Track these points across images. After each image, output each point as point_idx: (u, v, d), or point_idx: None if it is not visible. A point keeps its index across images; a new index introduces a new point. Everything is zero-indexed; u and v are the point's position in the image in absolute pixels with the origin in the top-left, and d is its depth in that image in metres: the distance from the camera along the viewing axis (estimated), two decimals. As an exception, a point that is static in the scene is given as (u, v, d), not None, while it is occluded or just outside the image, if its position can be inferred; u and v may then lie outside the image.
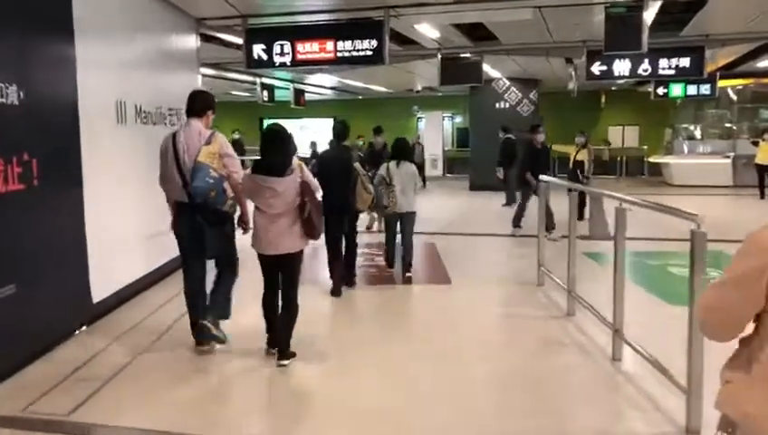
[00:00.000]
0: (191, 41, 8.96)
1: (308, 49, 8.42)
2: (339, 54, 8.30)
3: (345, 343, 5.51)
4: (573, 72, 13.76)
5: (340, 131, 7.09)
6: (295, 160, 4.70)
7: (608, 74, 11.42)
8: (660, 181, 20.51)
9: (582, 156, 11.74)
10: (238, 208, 4.99)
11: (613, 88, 23.60)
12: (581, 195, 11.29)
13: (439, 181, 21.31)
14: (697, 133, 20.91)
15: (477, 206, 14.96)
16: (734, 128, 19.85)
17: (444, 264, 8.42)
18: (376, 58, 8.21)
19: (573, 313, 5.93)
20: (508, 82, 18.69)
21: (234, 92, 21.27)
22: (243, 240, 5.09)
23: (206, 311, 5.02)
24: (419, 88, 20.32)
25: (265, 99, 16.82)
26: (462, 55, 12.12)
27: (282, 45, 8.49)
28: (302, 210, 4.63)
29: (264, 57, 8.58)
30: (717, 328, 1.82)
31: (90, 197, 5.74)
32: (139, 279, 6.94)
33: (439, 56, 12.09)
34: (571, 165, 11.87)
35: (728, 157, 18.75)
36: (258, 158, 4.76)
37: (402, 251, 7.66)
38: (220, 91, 20.67)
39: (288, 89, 18.51)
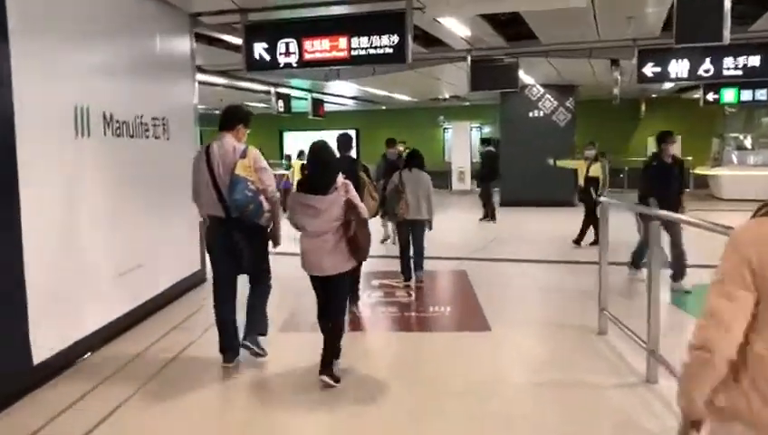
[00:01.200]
0: (183, 40, 7.78)
1: (317, 47, 7.16)
2: (353, 53, 7.03)
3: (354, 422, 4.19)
4: (618, 76, 12.32)
5: (344, 142, 6.84)
6: (340, 179, 4.57)
7: (662, 76, 10.00)
8: (707, 195, 18.91)
9: (596, 171, 10.27)
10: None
11: (653, 95, 22.08)
12: (593, 216, 9.95)
13: (467, 196, 19.90)
14: (748, 143, 19.26)
15: (512, 225, 13.54)
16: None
17: (479, 300, 7.05)
18: (397, 56, 6.92)
19: (655, 380, 4.51)
20: (543, 89, 17.30)
21: (250, 103, 20.14)
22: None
23: (247, 331, 5.05)
24: (447, 96, 18.97)
25: (281, 109, 15.66)
26: (495, 57, 10.79)
27: (287, 44, 7.24)
28: (347, 229, 4.49)
29: (267, 57, 7.34)
30: (729, 326, 1.79)
31: (31, 228, 4.50)
32: (102, 329, 5.66)
33: (469, 59, 10.79)
34: (582, 182, 10.44)
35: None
36: (301, 177, 4.78)
37: (413, 260, 7.72)
38: (233, 101, 19.63)
39: (306, 99, 17.34)
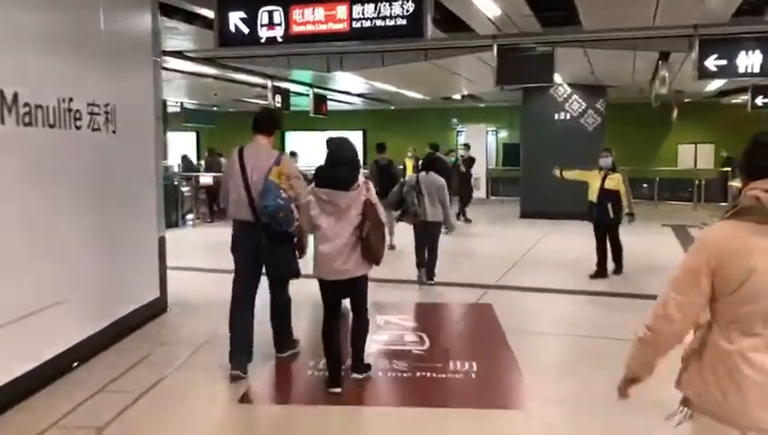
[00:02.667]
0: (139, 13, 6.15)
1: (309, 17, 5.53)
2: (355, 25, 5.39)
3: None
4: (666, 74, 10.59)
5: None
6: (361, 177, 4.45)
7: (728, 71, 8.39)
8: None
9: (615, 184, 8.17)
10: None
11: (686, 100, 20.31)
12: (612, 239, 8.40)
13: (483, 205, 18.16)
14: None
15: (536, 240, 11.85)
16: None
17: (511, 350, 5.37)
18: (411, 29, 5.25)
19: None
20: (570, 89, 15.60)
21: (247, 99, 18.56)
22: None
23: (279, 345, 5.14)
24: (464, 93, 17.19)
25: (278, 105, 14.01)
26: (526, 46, 9.12)
27: (270, 13, 5.61)
28: (360, 230, 4.29)
29: (245, 30, 5.70)
30: (673, 319, 2.06)
31: None
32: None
33: (496, 47, 9.12)
34: (595, 197, 8.29)
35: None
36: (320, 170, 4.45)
37: (427, 261, 7.97)
38: (227, 96, 18.02)
39: (307, 95, 15.71)
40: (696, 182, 18.53)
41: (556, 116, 15.78)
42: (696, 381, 2.08)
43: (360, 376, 4.66)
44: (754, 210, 1.98)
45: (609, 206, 8.18)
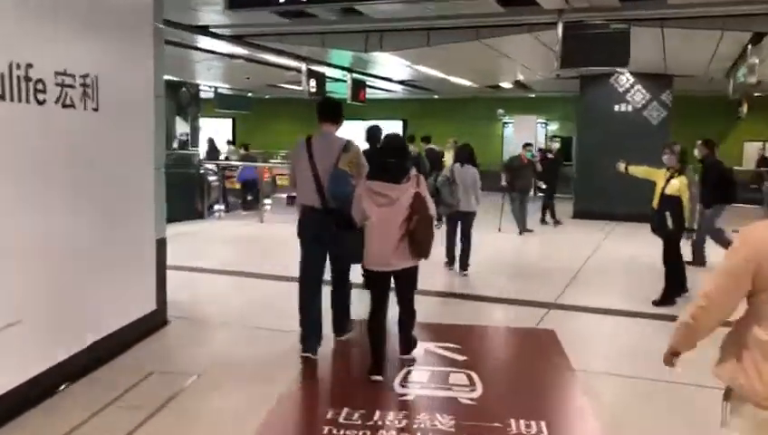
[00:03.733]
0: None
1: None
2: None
3: None
4: (756, 61, 9.08)
5: (374, 135, 7.27)
6: (413, 169, 4.52)
7: None
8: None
9: (678, 188, 6.62)
10: None
11: (756, 94, 18.54)
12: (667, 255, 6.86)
13: (533, 203, 16.79)
14: None
15: (595, 245, 10.54)
16: None
17: (588, 403, 4.15)
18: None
19: None
20: (632, 78, 14.15)
21: (282, 85, 17.53)
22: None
23: (338, 329, 5.24)
24: (518, 78, 15.71)
25: (312, 90, 12.88)
26: (598, 22, 7.82)
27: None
28: (408, 223, 4.28)
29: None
30: (713, 311, 2.17)
31: None
32: None
33: (561, 25, 7.85)
34: (656, 203, 6.87)
35: None
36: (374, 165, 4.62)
37: (461, 250, 8.13)
38: (261, 81, 16.97)
39: (344, 81, 14.57)
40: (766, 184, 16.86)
41: (616, 108, 14.37)
42: (737, 371, 2.14)
43: (408, 357, 4.77)
44: None
45: (668, 214, 6.66)
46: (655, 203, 6.89)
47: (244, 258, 9.37)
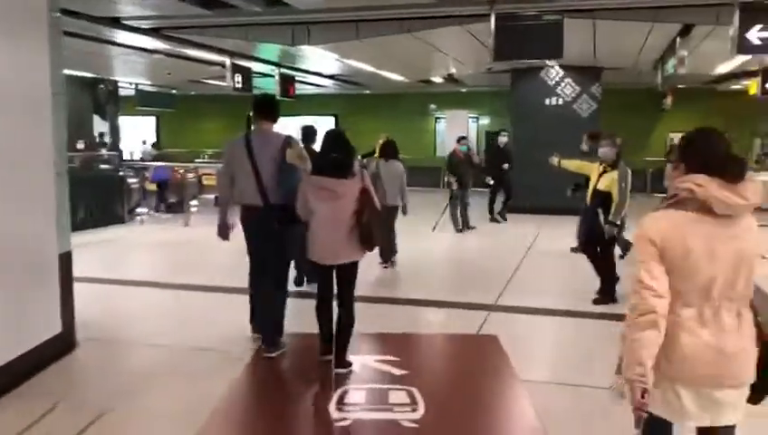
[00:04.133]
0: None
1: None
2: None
3: None
4: (685, 53, 9.11)
5: (310, 134, 7.29)
6: (357, 165, 4.56)
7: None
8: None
9: (606, 183, 6.47)
10: None
11: (680, 86, 19.01)
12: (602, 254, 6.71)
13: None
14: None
15: (530, 241, 10.43)
16: None
17: (539, 420, 3.88)
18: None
19: None
20: (562, 71, 14.17)
21: (206, 81, 16.81)
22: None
23: (268, 341, 4.98)
24: (449, 73, 15.44)
25: (238, 86, 12.30)
26: (529, 13, 7.61)
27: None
28: (360, 217, 4.37)
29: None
30: (656, 289, 2.24)
31: None
32: None
33: (493, 16, 7.61)
34: (589, 198, 6.69)
35: None
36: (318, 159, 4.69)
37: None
38: (183, 77, 16.19)
39: (272, 75, 14.04)
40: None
41: (547, 101, 14.38)
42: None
43: (342, 371, 4.57)
44: (689, 201, 2.27)
45: (600, 211, 6.44)
46: (588, 199, 6.74)
47: (166, 268, 8.77)
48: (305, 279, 6.95)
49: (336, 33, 9.27)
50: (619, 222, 6.40)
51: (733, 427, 2.39)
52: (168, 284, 7.40)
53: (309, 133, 7.31)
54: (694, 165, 2.28)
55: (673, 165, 2.42)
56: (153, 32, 9.55)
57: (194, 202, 14.97)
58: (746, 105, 17.93)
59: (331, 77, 16.47)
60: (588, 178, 7.01)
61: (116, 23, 8.91)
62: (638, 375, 2.18)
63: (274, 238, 4.83)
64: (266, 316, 5.01)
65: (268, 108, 5.02)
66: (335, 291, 4.63)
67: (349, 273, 4.55)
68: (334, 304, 4.64)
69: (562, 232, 11.13)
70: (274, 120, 5.02)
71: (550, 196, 12.80)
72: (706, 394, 2.29)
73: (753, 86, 16.29)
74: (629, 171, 6.57)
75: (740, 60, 11.62)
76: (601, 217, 6.44)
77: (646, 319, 2.21)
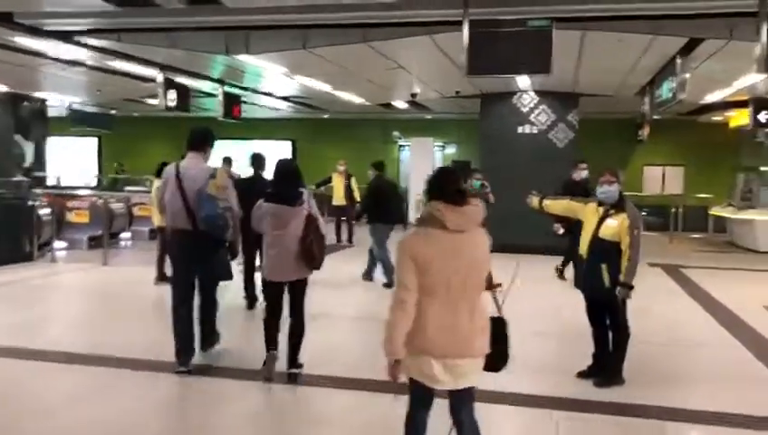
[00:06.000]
0: None
1: None
2: None
3: None
4: (687, 76, 7.80)
5: (259, 161, 7.40)
6: (306, 192, 5.09)
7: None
8: (727, 242, 14.91)
9: (612, 231, 4.98)
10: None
11: (656, 117, 17.98)
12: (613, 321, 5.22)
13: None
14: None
15: (505, 290, 8.95)
16: None
17: None
18: None
19: None
20: (537, 97, 12.92)
21: (142, 100, 15.15)
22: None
23: (205, 344, 5.62)
24: (410, 97, 13.95)
25: (171, 104, 10.71)
26: (510, 18, 6.24)
27: None
28: (305, 240, 4.91)
29: None
30: (410, 291, 2.96)
31: None
32: None
33: (467, 22, 6.23)
34: (584, 250, 5.16)
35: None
36: (271, 188, 5.17)
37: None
38: (116, 96, 14.51)
39: (215, 95, 12.49)
40: (674, 210, 16.15)
41: (520, 129, 13.10)
42: (414, 333, 2.98)
43: (295, 371, 5.13)
44: (433, 220, 3.00)
45: (604, 268, 4.97)
46: (583, 250, 5.24)
47: (44, 326, 7.03)
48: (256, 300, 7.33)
49: (280, 41, 7.80)
50: (634, 283, 4.95)
51: (471, 387, 3.16)
52: (34, 350, 5.74)
53: (258, 160, 7.45)
54: (435, 194, 3.08)
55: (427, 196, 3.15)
56: (59, 35, 7.93)
57: (126, 234, 13.33)
58: (727, 138, 17.00)
59: (284, 99, 14.95)
60: (579, 222, 5.57)
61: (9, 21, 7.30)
62: (391, 350, 2.97)
63: (205, 260, 5.28)
64: (204, 318, 5.58)
65: (196, 140, 5.39)
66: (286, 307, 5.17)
67: (298, 289, 5.13)
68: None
69: (540, 274, 9.78)
70: (202, 151, 5.38)
71: (524, 233, 11.45)
72: (450, 364, 3.01)
73: (735, 118, 15.43)
74: (640, 214, 5.16)
75: (735, 87, 10.52)
76: (605, 276, 4.99)
77: (399, 308, 2.97)
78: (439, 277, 2.97)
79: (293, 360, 5.14)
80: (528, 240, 11.60)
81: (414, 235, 3.07)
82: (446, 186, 3.05)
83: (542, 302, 8.19)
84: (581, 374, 5.29)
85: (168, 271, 8.53)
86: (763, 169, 15.22)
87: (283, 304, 5.18)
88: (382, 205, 9.03)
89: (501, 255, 9.06)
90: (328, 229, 11.16)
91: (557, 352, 6.20)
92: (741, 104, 12.90)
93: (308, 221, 4.95)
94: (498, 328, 3.28)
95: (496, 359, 3.27)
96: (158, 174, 9.35)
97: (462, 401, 3.18)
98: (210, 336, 5.66)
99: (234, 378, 5.24)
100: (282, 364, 5.12)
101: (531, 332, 6.74)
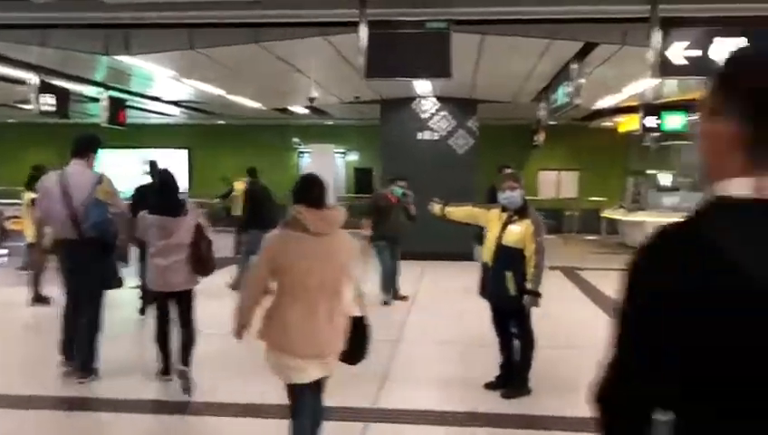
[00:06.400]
0: None
1: None
2: None
3: None
4: (582, 81, 7.89)
5: (154, 169, 7.39)
6: (190, 203, 5.34)
7: (699, 66, 5.71)
8: (619, 244, 15.47)
9: (516, 237, 4.89)
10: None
11: (551, 122, 18.49)
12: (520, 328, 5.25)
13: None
14: (667, 181, 16.04)
15: (408, 301, 8.75)
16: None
17: None
18: None
19: None
20: (438, 103, 12.88)
21: (19, 105, 13.96)
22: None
23: (82, 365, 5.30)
24: (308, 101, 13.51)
25: (48, 109, 9.82)
26: (409, 20, 6.03)
27: None
28: (195, 249, 5.00)
29: None
30: (252, 286, 3.35)
31: None
32: None
33: (365, 23, 5.96)
34: (489, 257, 5.02)
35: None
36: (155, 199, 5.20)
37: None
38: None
39: (99, 99, 11.64)
40: (568, 213, 16.61)
41: (420, 135, 13.02)
42: (267, 330, 3.27)
43: (184, 368, 5.10)
44: (295, 223, 3.20)
45: (510, 276, 4.87)
46: (487, 257, 5.09)
47: None
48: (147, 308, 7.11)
49: (164, 41, 7.25)
50: (540, 289, 4.83)
51: (325, 377, 3.40)
52: None
53: (155, 167, 7.44)
54: (298, 199, 3.26)
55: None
56: None
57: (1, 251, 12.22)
58: (616, 143, 17.66)
59: (174, 103, 14.19)
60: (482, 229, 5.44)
61: None
62: (240, 320, 3.32)
63: (88, 271, 5.19)
64: (80, 344, 5.25)
65: (80, 146, 5.31)
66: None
67: (186, 299, 5.18)
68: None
69: (447, 283, 9.67)
70: (85, 158, 5.29)
71: (428, 240, 11.28)
72: (309, 359, 3.22)
73: (624, 123, 16.05)
74: (542, 219, 5.06)
75: (626, 93, 10.83)
76: (511, 284, 4.85)
77: (246, 293, 3.38)
78: (300, 279, 3.18)
79: (186, 365, 5.17)
80: (432, 247, 11.48)
81: (276, 236, 3.28)
82: (308, 191, 3.28)
83: (448, 310, 8.04)
84: (489, 386, 5.14)
85: (45, 290, 7.94)
86: (650, 172, 15.87)
87: (171, 316, 5.23)
88: (257, 211, 8.74)
89: (404, 262, 9.09)
90: (228, 241, 10.70)
91: (464, 362, 6.02)
92: (629, 110, 13.39)
93: (196, 230, 5.01)
94: (359, 327, 3.44)
95: (355, 354, 3.45)
96: (30, 183, 8.57)
97: (316, 390, 3.43)
98: (87, 358, 5.27)
99: (118, 411, 4.75)
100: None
101: (437, 341, 6.54)
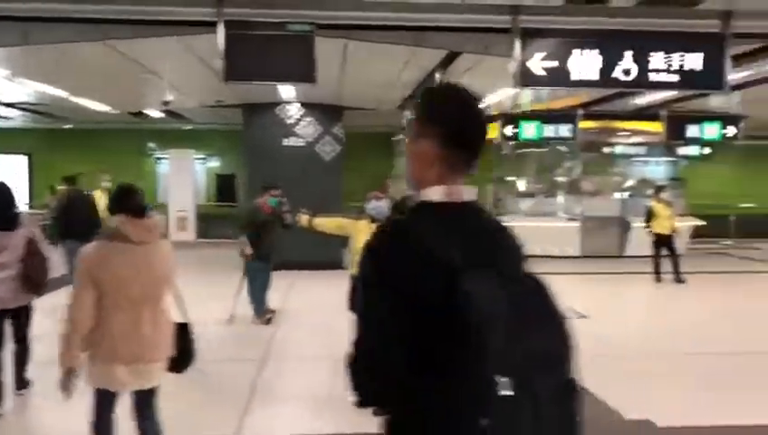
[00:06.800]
0: None
1: None
2: None
3: None
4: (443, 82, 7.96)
5: None
6: (23, 217, 4.96)
7: (559, 76, 5.89)
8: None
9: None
10: None
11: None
12: None
13: (191, 250, 14.13)
14: (522, 187, 16.74)
15: (275, 312, 8.40)
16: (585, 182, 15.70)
17: None
18: None
19: None
20: (303, 109, 12.61)
21: None
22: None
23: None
24: (164, 105, 12.74)
25: None
26: (269, 21, 5.73)
27: None
28: (27, 264, 4.76)
29: None
30: (82, 310, 3.12)
31: None
32: None
33: (222, 24, 5.61)
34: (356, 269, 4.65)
35: (575, 219, 14.61)
36: None
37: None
38: None
39: None
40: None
41: (285, 141, 12.68)
42: (91, 341, 3.17)
43: (21, 392, 5.06)
44: (117, 234, 3.18)
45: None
46: (355, 269, 4.90)
47: None
48: None
49: (-6, 36, 6.44)
50: None
51: (155, 387, 3.36)
52: None
53: None
54: (119, 209, 3.25)
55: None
56: None
57: None
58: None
59: (11, 105, 12.89)
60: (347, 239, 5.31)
61: None
62: (69, 360, 3.09)
63: None
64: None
65: None
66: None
67: (23, 315, 5.00)
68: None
69: (315, 296, 9.39)
70: None
71: (297, 249, 10.88)
72: (134, 367, 3.17)
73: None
74: None
75: (486, 103, 11.11)
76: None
77: (71, 326, 3.10)
78: (123, 289, 3.15)
79: (21, 381, 5.09)
80: (302, 256, 11.15)
81: (95, 247, 3.20)
82: (129, 200, 3.27)
83: (318, 324, 7.78)
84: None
85: None
86: (509, 179, 16.50)
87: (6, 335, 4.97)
88: (72, 220, 8.05)
89: (274, 273, 8.61)
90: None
91: (334, 380, 5.79)
92: (490, 119, 13.84)
93: (29, 244, 4.79)
94: (183, 334, 3.45)
95: (181, 361, 3.45)
96: None
97: (146, 401, 3.38)
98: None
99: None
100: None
101: (305, 358, 6.28)
